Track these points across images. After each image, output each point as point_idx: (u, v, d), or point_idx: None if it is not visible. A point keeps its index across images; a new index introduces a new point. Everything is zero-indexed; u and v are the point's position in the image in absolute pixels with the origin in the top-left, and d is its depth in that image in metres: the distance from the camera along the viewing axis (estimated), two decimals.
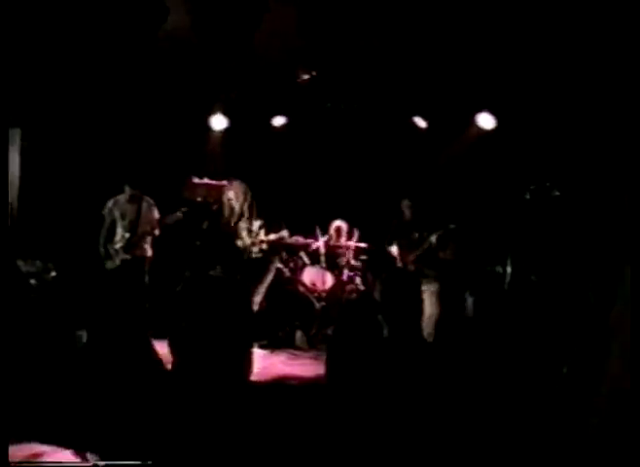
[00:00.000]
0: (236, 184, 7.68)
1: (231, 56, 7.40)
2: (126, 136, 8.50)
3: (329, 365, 4.22)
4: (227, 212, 7.63)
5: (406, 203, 7.97)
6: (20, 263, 6.86)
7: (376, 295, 5.47)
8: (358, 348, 4.09)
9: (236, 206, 7.57)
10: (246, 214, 7.57)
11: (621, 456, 3.86)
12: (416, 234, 7.84)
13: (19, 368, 5.34)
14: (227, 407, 4.07)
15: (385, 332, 4.05)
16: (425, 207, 8.11)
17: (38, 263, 7.07)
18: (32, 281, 6.82)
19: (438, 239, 7.50)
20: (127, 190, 7.54)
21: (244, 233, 7.47)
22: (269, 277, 7.60)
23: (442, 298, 7.27)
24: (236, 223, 7.59)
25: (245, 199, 7.59)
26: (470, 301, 7.66)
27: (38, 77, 7.31)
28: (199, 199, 7.53)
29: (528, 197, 6.78)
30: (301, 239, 8.50)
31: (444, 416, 3.93)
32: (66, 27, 6.81)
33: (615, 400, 4.08)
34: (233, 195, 7.57)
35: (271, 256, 7.64)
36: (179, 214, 7.26)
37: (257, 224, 7.62)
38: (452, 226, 7.41)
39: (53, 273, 7.05)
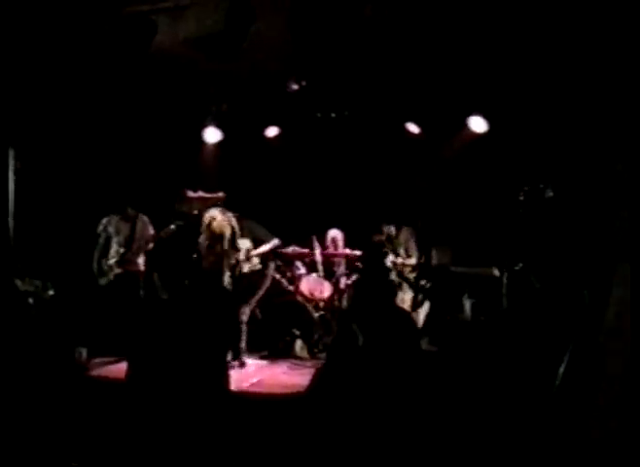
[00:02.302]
0: (217, 211, 7.51)
1: (222, 69, 7.45)
2: (120, 152, 8.52)
3: (323, 373, 4.24)
4: (207, 237, 7.45)
5: (387, 228, 8.35)
6: (18, 282, 6.88)
7: (347, 303, 5.52)
8: (342, 358, 4.11)
9: (226, 231, 7.44)
10: (237, 236, 7.48)
11: (621, 455, 3.87)
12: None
13: (20, 384, 5.37)
14: (205, 417, 4.16)
15: (360, 340, 4.05)
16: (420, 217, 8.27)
17: (36, 282, 7.09)
18: (30, 300, 6.84)
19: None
20: (121, 208, 7.57)
21: (232, 254, 7.41)
22: (263, 289, 7.57)
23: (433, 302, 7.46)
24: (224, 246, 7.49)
25: (225, 222, 7.47)
26: (468, 304, 7.66)
27: (30, 96, 7.34)
28: (195, 213, 7.52)
29: (522, 198, 6.78)
30: (297, 249, 8.51)
31: (439, 420, 3.94)
32: (57, 47, 6.85)
33: (615, 398, 4.09)
34: (217, 221, 7.43)
35: (264, 268, 7.59)
36: (172, 227, 7.28)
37: (245, 242, 7.53)
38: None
39: (51, 292, 7.07)
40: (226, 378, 4.50)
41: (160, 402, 4.19)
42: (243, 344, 7.39)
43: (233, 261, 7.35)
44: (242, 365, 7.29)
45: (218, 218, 7.31)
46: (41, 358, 6.34)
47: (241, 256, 7.39)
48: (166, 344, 4.26)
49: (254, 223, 7.67)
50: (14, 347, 5.98)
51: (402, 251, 8.25)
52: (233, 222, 7.39)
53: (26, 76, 7.11)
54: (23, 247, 7.64)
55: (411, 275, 8.14)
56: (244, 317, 7.37)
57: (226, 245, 7.29)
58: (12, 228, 7.66)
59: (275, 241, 7.71)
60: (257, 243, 7.56)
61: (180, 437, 4.14)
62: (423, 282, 8.14)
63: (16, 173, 7.65)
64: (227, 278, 7.35)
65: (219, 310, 4.90)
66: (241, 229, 7.45)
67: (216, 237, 7.27)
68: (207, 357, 4.32)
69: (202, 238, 7.35)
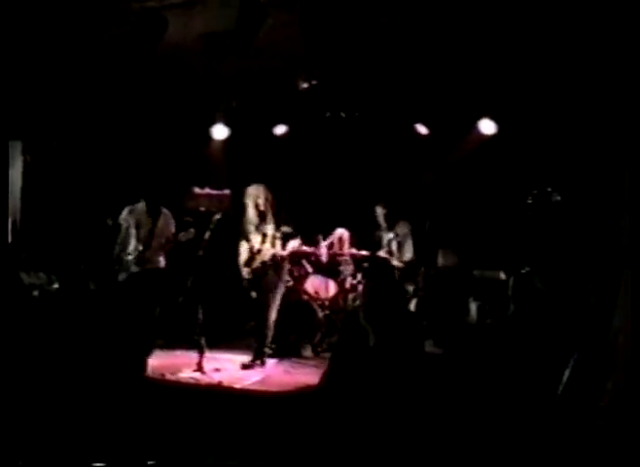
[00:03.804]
0: (261, 188, 7.50)
1: (232, 66, 7.44)
2: (128, 147, 8.52)
3: (330, 372, 4.23)
4: (252, 217, 7.44)
5: (380, 210, 8.22)
6: (24, 275, 6.86)
7: (359, 303, 5.45)
8: (353, 357, 4.11)
9: (263, 209, 7.40)
10: (269, 218, 7.42)
11: (624, 456, 3.85)
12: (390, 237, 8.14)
13: (22, 377, 5.37)
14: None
15: (371, 340, 4.04)
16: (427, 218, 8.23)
17: (41, 274, 7.07)
18: (35, 293, 6.83)
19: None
20: (144, 201, 7.40)
21: (257, 238, 7.35)
22: (282, 289, 7.45)
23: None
24: (258, 227, 7.44)
25: (267, 202, 7.45)
26: (474, 306, 7.65)
27: (39, 89, 7.35)
28: (202, 209, 7.49)
29: (530, 201, 6.77)
30: (303, 248, 8.49)
31: (445, 421, 3.93)
32: (67, 41, 6.85)
33: (620, 402, 4.07)
34: (263, 199, 7.41)
35: (279, 269, 7.47)
36: (192, 231, 7.09)
37: (284, 229, 7.45)
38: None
39: (57, 285, 7.05)
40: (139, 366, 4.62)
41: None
42: (267, 347, 7.33)
43: (257, 245, 7.32)
44: (263, 364, 7.26)
45: (264, 193, 7.32)
46: (45, 351, 6.35)
47: (268, 244, 7.33)
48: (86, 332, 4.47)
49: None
50: (17, 340, 5.98)
51: (394, 243, 8.17)
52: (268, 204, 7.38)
53: (36, 69, 7.12)
54: (30, 240, 7.65)
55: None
56: (273, 315, 7.27)
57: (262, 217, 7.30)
58: (18, 221, 7.67)
59: (296, 243, 7.68)
60: (285, 237, 7.50)
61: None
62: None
63: (24, 166, 7.66)
64: (243, 262, 7.33)
65: (134, 302, 5.00)
66: (277, 215, 7.40)
67: (261, 215, 7.28)
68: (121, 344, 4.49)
69: (249, 215, 7.34)
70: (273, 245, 7.29)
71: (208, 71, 7.73)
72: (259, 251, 7.31)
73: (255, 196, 7.32)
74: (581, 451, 4.06)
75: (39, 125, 7.72)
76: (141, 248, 7.17)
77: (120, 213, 7.34)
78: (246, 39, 6.62)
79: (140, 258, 7.14)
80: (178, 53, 7.19)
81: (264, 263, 7.29)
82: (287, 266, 7.65)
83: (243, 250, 7.40)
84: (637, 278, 4.01)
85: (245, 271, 7.36)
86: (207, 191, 7.54)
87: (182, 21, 6.70)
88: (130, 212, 7.27)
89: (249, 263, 7.34)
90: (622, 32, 5.44)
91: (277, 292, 7.32)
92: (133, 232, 7.21)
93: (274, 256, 7.27)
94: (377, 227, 8.29)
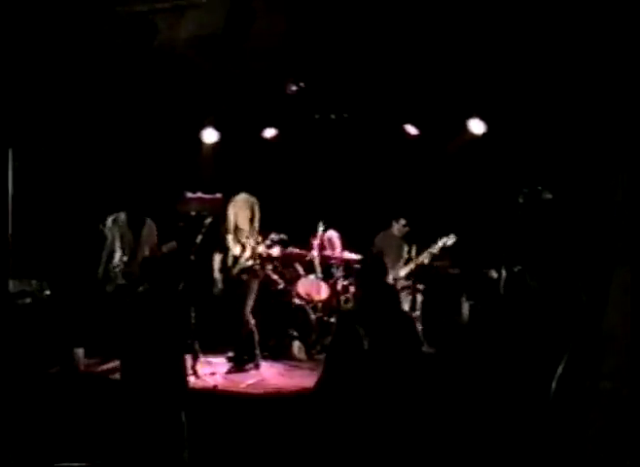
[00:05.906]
0: (248, 198, 7.44)
1: (221, 69, 7.44)
2: (119, 152, 8.50)
3: (324, 375, 4.24)
4: (231, 227, 7.38)
5: (401, 222, 8.30)
6: (15, 282, 6.82)
7: (355, 307, 5.47)
8: (346, 361, 4.12)
9: (241, 222, 7.33)
10: (248, 228, 7.34)
11: (618, 455, 3.87)
12: (406, 250, 8.21)
13: (15, 384, 5.36)
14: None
15: (365, 344, 4.06)
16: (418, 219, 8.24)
17: (33, 282, 7.03)
18: (27, 300, 6.79)
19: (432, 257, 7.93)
20: (127, 211, 7.38)
21: (236, 247, 7.32)
22: (254, 290, 7.38)
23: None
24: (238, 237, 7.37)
25: (252, 214, 7.36)
26: (466, 306, 7.67)
27: (28, 96, 7.33)
28: (193, 214, 7.47)
29: (521, 200, 6.79)
30: (295, 250, 8.49)
31: (438, 421, 3.94)
32: (57, 46, 6.84)
33: (612, 401, 4.09)
34: (248, 211, 7.32)
35: (252, 272, 7.41)
36: (174, 244, 7.09)
37: (272, 237, 7.39)
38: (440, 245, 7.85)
39: (48, 292, 7.01)
40: (180, 373, 4.68)
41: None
42: (257, 349, 7.31)
43: (237, 252, 7.28)
44: (257, 367, 7.26)
45: (240, 204, 7.30)
46: (36, 358, 6.33)
47: (247, 253, 7.30)
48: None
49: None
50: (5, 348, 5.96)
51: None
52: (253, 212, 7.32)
53: (25, 75, 7.10)
54: (20, 247, 7.61)
55: None
56: (251, 319, 7.25)
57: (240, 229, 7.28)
58: (9, 228, 7.63)
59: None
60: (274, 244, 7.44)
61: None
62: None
63: (13, 173, 7.62)
64: (217, 269, 7.31)
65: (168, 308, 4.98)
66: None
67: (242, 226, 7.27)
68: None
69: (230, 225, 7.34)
70: (253, 255, 7.25)
71: (197, 75, 7.73)
72: (238, 258, 7.28)
73: (241, 205, 7.29)
74: (574, 449, 4.08)
75: (28, 131, 7.68)
76: (126, 259, 7.18)
77: (106, 221, 7.35)
78: (235, 43, 6.63)
79: (127, 270, 7.12)
80: (167, 57, 7.19)
81: (241, 270, 7.26)
82: (257, 277, 7.59)
83: (217, 261, 7.37)
84: (637, 275, 4.02)
85: (219, 277, 7.34)
86: (199, 195, 7.53)
87: (171, 26, 6.71)
88: (114, 223, 7.28)
89: (224, 269, 7.32)
90: (609, 30, 5.47)
91: (250, 298, 7.27)
92: (118, 243, 7.22)
93: (252, 266, 7.27)
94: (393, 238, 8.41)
